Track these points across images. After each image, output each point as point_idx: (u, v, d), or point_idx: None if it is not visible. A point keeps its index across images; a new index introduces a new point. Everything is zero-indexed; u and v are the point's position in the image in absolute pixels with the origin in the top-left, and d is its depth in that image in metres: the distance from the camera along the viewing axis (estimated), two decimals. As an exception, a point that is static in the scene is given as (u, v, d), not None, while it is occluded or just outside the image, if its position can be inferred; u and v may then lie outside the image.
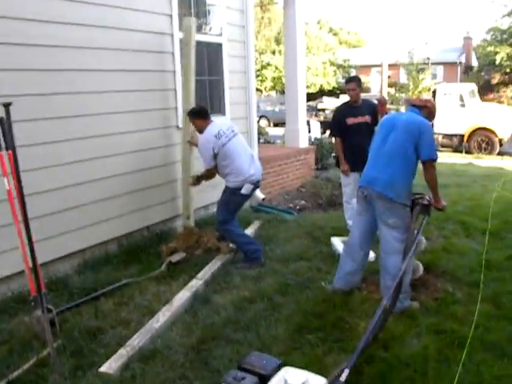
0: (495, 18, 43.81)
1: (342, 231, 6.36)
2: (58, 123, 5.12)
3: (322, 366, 3.51)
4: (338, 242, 5.95)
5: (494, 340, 3.82)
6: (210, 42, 7.27)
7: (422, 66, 23.13)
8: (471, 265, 5.33)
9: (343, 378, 3.00)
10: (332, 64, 38.35)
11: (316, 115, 23.83)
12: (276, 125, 26.91)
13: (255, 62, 8.42)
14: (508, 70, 34.36)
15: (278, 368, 2.95)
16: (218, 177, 5.75)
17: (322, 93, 35.58)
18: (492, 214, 6.87)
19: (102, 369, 3.53)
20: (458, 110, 16.81)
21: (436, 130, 15.01)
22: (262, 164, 8.42)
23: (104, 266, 5.46)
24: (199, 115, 5.60)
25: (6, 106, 3.57)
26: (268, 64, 36.52)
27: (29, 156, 4.72)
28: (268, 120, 28.52)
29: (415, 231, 4.32)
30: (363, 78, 6.94)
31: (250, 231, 6.52)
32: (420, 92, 20.49)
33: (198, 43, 6.91)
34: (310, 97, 20.31)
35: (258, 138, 8.93)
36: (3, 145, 3.56)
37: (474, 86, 18.71)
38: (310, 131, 13.11)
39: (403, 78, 31.29)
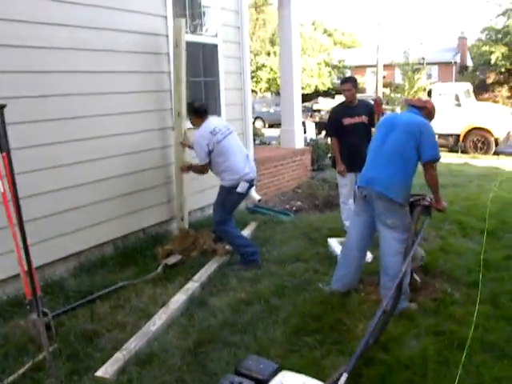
0: (490, 17, 43.82)
1: (339, 232, 6.35)
2: (53, 125, 5.08)
3: (320, 369, 3.49)
4: (334, 243, 5.93)
5: (494, 341, 3.80)
6: (205, 43, 7.24)
7: (418, 66, 23.14)
8: (469, 265, 5.32)
9: (342, 382, 2.96)
10: (327, 65, 38.39)
11: (311, 116, 23.83)
12: (271, 126, 26.92)
13: (250, 64, 8.40)
14: (503, 70, 34.47)
15: (275, 372, 2.91)
16: (214, 178, 5.73)
17: (317, 94, 35.61)
18: (489, 214, 6.85)
19: (98, 373, 3.49)
20: (453, 110, 16.83)
21: (432, 129, 14.99)
22: (257, 165, 8.43)
23: (100, 268, 5.42)
24: (196, 113, 5.59)
25: (0, 108, 3.53)
26: (263, 65, 36.53)
27: (23, 158, 4.68)
28: (263, 121, 28.52)
29: (416, 232, 4.30)
30: (358, 79, 6.92)
31: (246, 233, 6.49)
32: (415, 92, 20.49)
33: (194, 44, 6.91)
34: (306, 98, 20.30)
35: (254, 140, 8.90)
36: (-3, 147, 3.53)
37: (469, 86, 18.74)
38: (305, 132, 13.10)
39: (398, 79, 31.35)
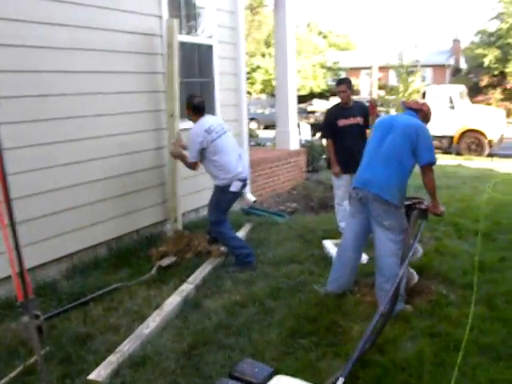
0: (483, 20, 44.18)
1: (334, 234, 6.33)
2: (48, 125, 5.04)
3: (316, 372, 3.47)
4: (329, 245, 5.91)
5: (489, 343, 3.79)
6: (200, 44, 7.22)
7: (412, 68, 23.20)
8: (464, 266, 5.31)
9: (338, 386, 2.94)
10: (322, 66, 38.50)
11: (306, 117, 23.87)
12: (266, 127, 26.93)
13: (245, 65, 8.37)
14: (496, 73, 34.67)
15: (270, 376, 2.88)
16: (208, 179, 5.70)
17: (312, 95, 35.69)
18: (483, 216, 6.85)
19: (91, 376, 3.45)
20: (447, 112, 16.83)
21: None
22: (252, 166, 8.47)
23: (93, 270, 5.38)
24: (195, 109, 5.57)
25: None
26: (258, 67, 36.60)
27: (17, 158, 4.66)
28: (258, 122, 28.54)
29: (413, 236, 4.28)
30: (353, 81, 6.91)
31: (241, 234, 6.46)
32: (410, 94, 20.54)
33: (189, 45, 6.89)
34: (300, 99, 20.27)
35: (249, 141, 8.87)
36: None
37: (463, 88, 18.77)
38: (300, 133, 13.09)
39: (392, 80, 31.43)
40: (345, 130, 6.45)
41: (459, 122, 16.95)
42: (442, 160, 14.47)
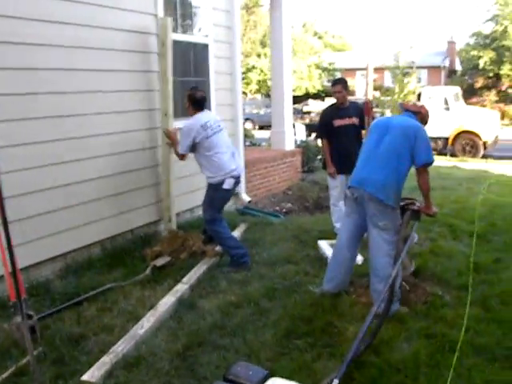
0: (478, 22, 44.35)
1: (329, 234, 6.32)
2: (41, 124, 5.00)
3: (311, 373, 3.46)
4: (325, 246, 5.90)
5: (485, 344, 3.78)
6: (196, 43, 7.19)
7: (407, 69, 23.25)
8: (459, 267, 5.30)
9: (333, 388, 2.93)
10: (317, 67, 38.53)
11: (301, 118, 23.90)
12: (261, 128, 26.94)
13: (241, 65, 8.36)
14: (491, 75, 34.81)
15: (265, 379, 2.86)
16: (203, 179, 5.67)
17: (307, 96, 35.71)
18: (478, 217, 6.84)
19: (85, 377, 3.42)
20: (442, 113, 16.86)
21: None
22: (248, 166, 8.45)
23: (87, 270, 5.33)
24: (195, 103, 5.55)
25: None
26: (253, 67, 36.59)
27: (11, 156, 4.64)
28: (253, 123, 28.54)
29: (406, 237, 4.28)
30: (348, 82, 6.91)
31: (236, 234, 6.43)
32: (405, 95, 20.58)
33: (184, 44, 6.86)
34: (296, 100, 20.28)
35: (244, 141, 8.86)
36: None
37: (458, 90, 18.82)
38: (295, 134, 13.09)
39: (388, 82, 31.50)
40: (340, 130, 6.44)
41: (454, 124, 16.98)
42: (437, 161, 14.43)
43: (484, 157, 16.56)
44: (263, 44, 38.36)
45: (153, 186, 6.44)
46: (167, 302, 4.55)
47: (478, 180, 10.74)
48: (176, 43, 6.48)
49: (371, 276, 4.47)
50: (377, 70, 25.34)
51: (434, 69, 37.65)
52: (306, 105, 29.81)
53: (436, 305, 4.48)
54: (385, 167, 4.32)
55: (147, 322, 4.16)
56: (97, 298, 4.68)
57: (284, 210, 8.51)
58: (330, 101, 9.08)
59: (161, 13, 6.35)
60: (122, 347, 3.78)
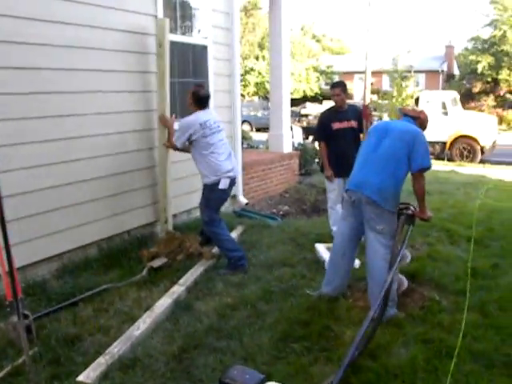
0: (477, 27, 44.43)
1: (326, 237, 6.30)
2: (39, 123, 4.98)
3: (308, 377, 3.44)
4: (322, 249, 5.88)
5: (482, 350, 3.76)
6: (195, 44, 7.17)
7: (406, 73, 23.29)
8: (457, 273, 5.29)
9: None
10: (315, 70, 38.52)
11: (299, 121, 23.89)
12: (258, 130, 26.94)
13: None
14: (489, 80, 34.88)
15: (262, 383, 2.85)
16: (200, 180, 5.64)
17: (305, 99, 35.71)
18: (476, 222, 6.85)
19: (80, 378, 3.40)
20: (440, 118, 16.88)
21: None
22: (245, 169, 8.44)
23: (83, 270, 5.31)
24: (199, 101, 5.56)
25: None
26: (251, 69, 36.56)
27: (8, 156, 4.63)
28: (250, 125, 28.52)
29: (401, 241, 4.27)
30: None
31: (232, 236, 6.41)
32: (403, 99, 20.61)
33: (183, 45, 6.84)
34: (293, 102, 20.24)
35: (242, 143, 8.84)
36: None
37: (456, 94, 18.86)
38: (292, 137, 13.09)
39: (386, 85, 31.53)
40: (339, 133, 6.43)
41: (452, 128, 17.01)
42: (435, 166, 14.46)
43: (482, 162, 16.59)
44: (261, 46, 38.40)
45: (150, 186, 6.41)
46: (163, 303, 4.53)
47: (476, 185, 10.76)
48: (175, 44, 6.47)
49: (368, 280, 4.46)
50: (375, 73, 25.32)
51: (431, 73, 37.73)
52: (304, 108, 29.76)
53: (433, 310, 4.46)
54: (382, 171, 4.32)
55: (143, 324, 4.14)
56: (93, 299, 4.66)
57: (281, 213, 8.50)
58: (328, 104, 9.08)
59: (160, 14, 6.34)
60: (117, 348, 3.76)
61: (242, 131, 10.63)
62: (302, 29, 49.51)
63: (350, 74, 38.45)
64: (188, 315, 4.41)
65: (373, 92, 24.50)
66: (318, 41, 49.91)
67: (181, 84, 6.77)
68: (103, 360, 3.60)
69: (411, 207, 4.45)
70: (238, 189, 8.05)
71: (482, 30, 36.48)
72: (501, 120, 28.85)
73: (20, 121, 4.79)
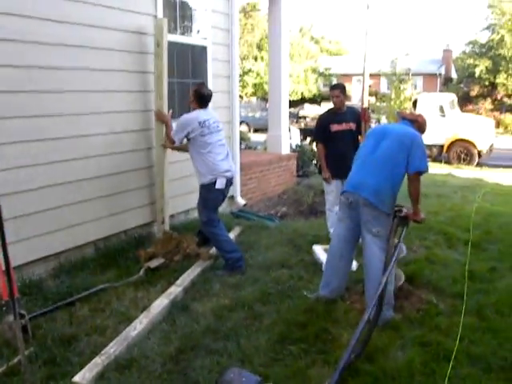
0: (475, 31, 44.54)
1: (324, 239, 6.29)
2: (35, 122, 4.96)
3: (306, 379, 3.43)
4: (319, 251, 5.87)
5: (480, 353, 3.76)
6: (194, 45, 7.16)
7: (404, 76, 23.32)
8: (454, 276, 5.28)
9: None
10: (313, 72, 38.56)
11: (297, 122, 23.91)
12: (256, 131, 26.95)
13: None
14: (487, 83, 34.97)
15: (259, 386, 2.84)
16: (197, 181, 5.63)
17: (303, 100, 35.75)
18: (473, 225, 6.85)
19: (76, 378, 3.38)
20: (438, 121, 16.88)
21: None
22: (243, 170, 8.43)
23: (80, 270, 5.29)
24: (200, 99, 5.55)
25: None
26: (250, 70, 36.57)
27: (5, 155, 4.62)
28: (248, 126, 28.53)
29: (394, 244, 4.26)
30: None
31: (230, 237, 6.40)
32: (402, 102, 20.63)
33: (183, 45, 6.83)
34: (291, 104, 20.27)
35: (240, 144, 8.84)
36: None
37: (454, 97, 18.87)
38: (290, 138, 13.09)
39: (384, 88, 31.57)
40: (337, 135, 6.42)
41: (449, 131, 17.03)
42: (432, 169, 14.52)
43: (479, 165, 16.61)
44: (260, 47, 38.39)
45: (147, 187, 6.39)
46: (160, 304, 4.51)
47: (473, 188, 10.76)
48: (175, 45, 6.47)
49: (365, 282, 4.46)
50: (373, 75, 25.35)
51: (429, 76, 37.79)
52: (302, 109, 29.83)
53: (431, 313, 4.45)
54: (380, 172, 4.33)
55: (140, 324, 4.12)
56: (90, 299, 4.64)
57: (279, 214, 8.49)
58: (326, 105, 9.08)
59: (160, 14, 6.32)
60: (114, 349, 3.74)
61: (241, 132, 10.63)
62: (300, 30, 49.51)
63: (348, 76, 38.52)
64: (185, 316, 4.39)
65: (371, 94, 24.56)
66: (316, 42, 49.92)
67: (180, 84, 6.76)
68: (99, 360, 3.59)
69: (404, 209, 4.46)
70: (236, 190, 8.04)
71: (479, 33, 36.65)
72: (498, 123, 28.94)
73: (16, 119, 4.77)
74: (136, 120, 6.16)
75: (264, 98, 35.35)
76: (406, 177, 4.40)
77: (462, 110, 20.70)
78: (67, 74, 5.24)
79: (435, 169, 14.62)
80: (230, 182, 5.64)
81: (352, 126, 6.46)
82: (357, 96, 34.40)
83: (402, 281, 4.77)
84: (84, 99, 5.44)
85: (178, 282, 5.03)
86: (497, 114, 32.61)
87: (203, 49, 7.32)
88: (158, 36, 6.00)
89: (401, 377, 3.46)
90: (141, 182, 6.30)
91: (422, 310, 4.54)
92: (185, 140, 5.53)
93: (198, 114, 5.47)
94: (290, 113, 14.31)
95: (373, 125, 6.41)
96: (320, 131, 6.67)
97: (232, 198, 7.94)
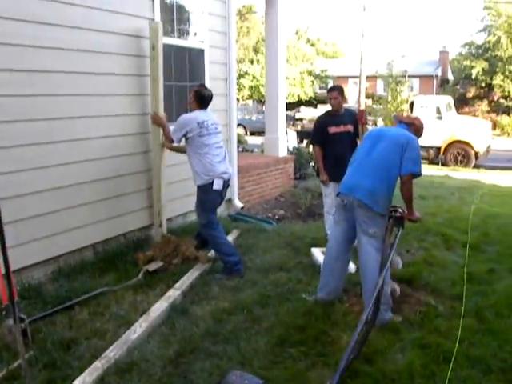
0: (471, 32, 44.65)
1: (322, 241, 6.28)
2: (36, 126, 4.96)
3: (306, 381, 3.44)
4: (318, 253, 5.88)
5: (480, 355, 3.76)
6: (191, 48, 7.16)
7: (400, 78, 23.38)
8: (453, 277, 5.29)
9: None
10: (309, 74, 38.61)
11: (293, 125, 23.91)
12: (252, 133, 26.94)
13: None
14: (483, 85, 35.05)
15: (260, 389, 2.84)
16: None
17: (299, 103, 35.79)
18: (471, 227, 6.86)
19: (76, 382, 3.37)
20: (434, 123, 16.93)
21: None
22: (241, 172, 8.43)
23: (79, 273, 5.28)
24: (199, 100, 5.56)
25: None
26: (246, 73, 36.63)
27: (4, 159, 4.62)
28: (245, 128, 28.53)
29: (390, 244, 4.28)
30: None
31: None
32: (398, 104, 20.68)
33: (180, 48, 6.83)
34: (288, 106, 20.22)
35: (237, 146, 8.84)
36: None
37: (450, 99, 18.93)
38: (287, 140, 13.10)
39: (380, 90, 31.62)
40: (335, 137, 6.42)
41: (446, 133, 17.09)
42: (430, 171, 14.57)
43: (476, 167, 16.66)
44: (256, 50, 38.47)
45: (145, 190, 6.39)
46: (159, 307, 4.51)
47: (471, 190, 10.80)
48: (172, 48, 6.47)
49: (362, 283, 4.47)
50: (369, 78, 25.39)
51: (426, 78, 37.88)
52: (298, 111, 29.84)
53: (430, 315, 4.45)
54: (375, 174, 4.36)
55: (139, 328, 4.12)
56: (89, 303, 4.64)
57: (276, 217, 8.49)
58: (323, 108, 9.09)
59: (157, 17, 6.33)
60: (114, 352, 3.74)
61: (238, 135, 10.63)
62: (296, 33, 49.64)
63: (345, 78, 38.57)
64: (184, 319, 4.39)
65: (367, 96, 24.62)
66: (312, 45, 50.02)
67: (177, 87, 6.76)
68: (99, 364, 3.58)
69: (399, 209, 4.48)
70: (234, 192, 8.04)
71: (476, 35, 36.74)
72: (495, 125, 29.03)
73: (16, 123, 4.77)
74: (133, 123, 6.16)
75: (260, 101, 35.39)
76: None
77: (458, 111, 20.75)
78: (64, 78, 5.23)
79: (432, 171, 14.67)
80: (227, 183, 5.64)
81: (350, 128, 6.46)
82: (353, 98, 34.46)
83: (400, 266, 4.77)
84: (82, 103, 5.43)
85: (177, 285, 5.03)
86: (493, 115, 32.69)
87: (200, 51, 7.32)
88: (153, 39, 6.01)
89: (401, 379, 3.47)
90: (139, 185, 6.29)
91: (421, 312, 4.54)
92: (183, 140, 5.53)
93: (197, 115, 5.47)
94: (286, 115, 14.33)
95: (370, 127, 6.40)
96: (318, 133, 6.65)
97: (229, 200, 7.94)
